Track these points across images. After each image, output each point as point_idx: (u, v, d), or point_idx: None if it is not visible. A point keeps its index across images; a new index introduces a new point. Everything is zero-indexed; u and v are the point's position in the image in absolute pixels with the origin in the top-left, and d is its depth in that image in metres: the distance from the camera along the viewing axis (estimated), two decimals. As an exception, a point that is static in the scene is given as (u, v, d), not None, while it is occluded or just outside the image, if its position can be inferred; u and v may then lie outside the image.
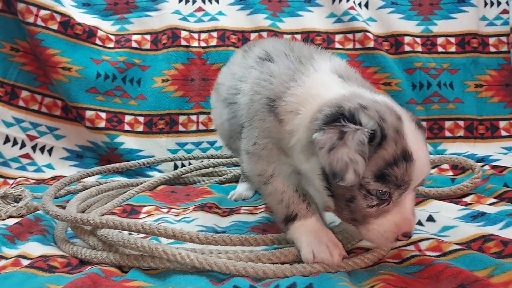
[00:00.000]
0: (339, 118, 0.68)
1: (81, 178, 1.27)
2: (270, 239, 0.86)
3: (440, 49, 1.65)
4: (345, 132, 0.66)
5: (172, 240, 0.87)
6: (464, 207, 1.02)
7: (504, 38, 1.64)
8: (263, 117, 0.80)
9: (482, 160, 1.47)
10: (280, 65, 0.83)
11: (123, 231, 0.87)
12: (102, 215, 1.09)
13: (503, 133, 1.58)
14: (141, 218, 1.09)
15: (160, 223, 1.03)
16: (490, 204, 1.04)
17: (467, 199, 1.10)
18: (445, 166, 1.39)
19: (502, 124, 1.59)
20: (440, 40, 1.66)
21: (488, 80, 1.62)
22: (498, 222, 0.89)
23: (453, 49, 1.65)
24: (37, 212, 1.08)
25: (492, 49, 1.64)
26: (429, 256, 0.77)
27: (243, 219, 1.06)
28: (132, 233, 0.89)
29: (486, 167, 1.35)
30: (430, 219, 0.97)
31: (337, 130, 0.67)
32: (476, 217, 0.96)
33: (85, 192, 1.18)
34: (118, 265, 0.82)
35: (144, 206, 1.17)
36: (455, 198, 1.12)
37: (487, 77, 1.63)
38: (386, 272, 0.74)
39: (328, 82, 0.78)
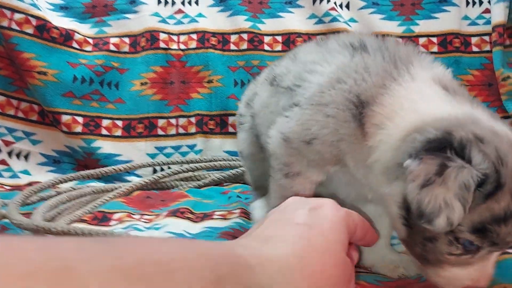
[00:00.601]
0: (445, 148, 0.54)
1: (54, 185, 1.25)
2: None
3: (422, 49, 1.63)
4: (448, 167, 0.52)
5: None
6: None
7: (486, 38, 1.62)
8: (342, 120, 0.64)
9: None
10: (377, 62, 0.65)
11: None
12: (71, 223, 1.06)
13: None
14: (111, 226, 1.07)
15: (129, 231, 1.01)
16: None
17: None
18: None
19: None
20: (422, 40, 1.64)
21: (471, 80, 1.60)
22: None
23: (435, 49, 1.63)
24: (4, 220, 1.05)
25: (474, 49, 1.62)
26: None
27: (215, 225, 1.04)
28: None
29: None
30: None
31: (438, 162, 0.53)
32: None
33: (55, 199, 1.16)
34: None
35: (116, 212, 1.14)
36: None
37: (470, 77, 1.61)
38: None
39: (429, 94, 0.63)
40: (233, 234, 0.98)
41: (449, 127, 0.55)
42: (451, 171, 0.51)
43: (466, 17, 1.65)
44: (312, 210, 0.53)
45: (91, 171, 1.35)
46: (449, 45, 1.62)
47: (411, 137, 0.58)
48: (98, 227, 1.03)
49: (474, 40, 1.63)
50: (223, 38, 1.66)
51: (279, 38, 1.65)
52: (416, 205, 0.53)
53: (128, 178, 1.50)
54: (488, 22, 1.63)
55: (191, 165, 1.44)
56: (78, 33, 1.60)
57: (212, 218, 1.09)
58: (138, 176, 1.51)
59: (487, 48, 1.62)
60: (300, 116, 0.67)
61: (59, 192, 1.27)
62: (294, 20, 1.66)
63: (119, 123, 1.57)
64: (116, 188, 1.30)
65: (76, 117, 1.53)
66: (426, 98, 0.62)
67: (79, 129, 1.52)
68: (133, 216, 1.13)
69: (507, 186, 0.52)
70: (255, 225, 0.56)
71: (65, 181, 1.28)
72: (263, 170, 0.87)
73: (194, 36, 1.65)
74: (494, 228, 0.53)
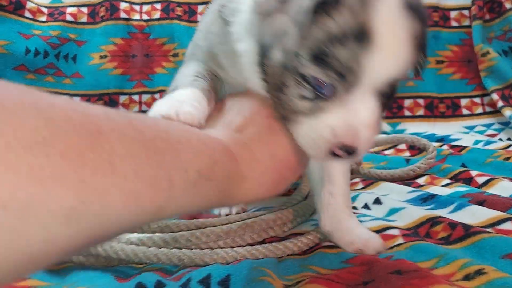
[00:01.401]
0: None
1: None
2: (194, 224, 0.76)
3: None
4: None
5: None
6: (414, 189, 0.93)
7: (466, 12, 1.56)
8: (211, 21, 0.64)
9: (441, 140, 1.39)
10: None
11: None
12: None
13: (464, 111, 1.50)
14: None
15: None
16: (443, 186, 0.96)
17: (420, 181, 1.02)
18: (402, 146, 1.30)
19: (463, 102, 1.51)
20: (399, 14, 1.56)
21: (450, 56, 1.54)
22: (448, 205, 0.80)
23: (413, 23, 1.55)
24: None
25: (453, 23, 1.56)
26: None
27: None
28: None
29: (445, 147, 1.27)
30: (377, 201, 0.88)
31: None
32: (426, 199, 0.87)
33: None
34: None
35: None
36: (408, 180, 1.03)
37: (449, 53, 1.54)
38: (314, 267, 0.64)
39: None
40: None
41: None
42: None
43: (445, -10, 1.58)
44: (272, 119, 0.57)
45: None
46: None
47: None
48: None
49: (453, 14, 1.57)
50: (189, 9, 1.55)
51: None
52: (260, 37, 0.52)
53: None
54: (468, -5, 1.57)
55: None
56: (30, 1, 1.47)
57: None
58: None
59: (466, 23, 1.56)
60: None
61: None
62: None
63: (77, 99, 1.45)
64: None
65: (29, 92, 1.41)
66: None
67: (32, 105, 1.40)
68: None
69: (346, 2, 0.47)
70: (228, 111, 0.59)
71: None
72: None
73: (158, 6, 1.53)
74: (332, 51, 0.47)
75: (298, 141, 0.53)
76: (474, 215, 0.74)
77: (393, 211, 0.82)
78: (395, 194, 0.92)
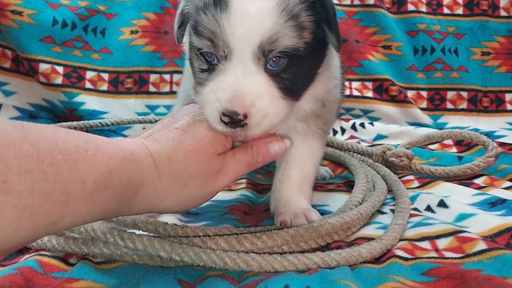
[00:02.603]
0: None
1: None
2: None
3: (446, 10, 1.47)
4: None
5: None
6: (478, 191, 0.88)
7: (516, 1, 1.48)
8: None
9: (486, 135, 1.33)
10: None
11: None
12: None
13: (509, 107, 1.44)
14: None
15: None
16: (505, 188, 0.91)
17: (479, 181, 0.96)
18: (448, 141, 1.25)
19: (508, 97, 1.45)
20: (446, 0, 1.48)
21: (496, 48, 1.47)
22: (524, 213, 0.75)
23: (460, 11, 1.48)
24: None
25: (502, 13, 1.48)
26: (449, 258, 0.62)
27: (222, 198, 0.89)
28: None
29: (494, 144, 1.22)
30: (442, 204, 0.82)
31: None
32: (495, 204, 0.81)
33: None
34: (62, 253, 0.65)
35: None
36: (465, 179, 0.98)
37: (495, 44, 1.47)
38: (395, 277, 0.59)
39: None
40: (243, 209, 0.84)
41: None
42: None
43: (496, -23, 1.50)
44: (194, 118, 0.58)
45: (74, 123, 1.17)
46: (475, 8, 1.47)
47: None
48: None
49: (502, 3, 1.48)
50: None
51: None
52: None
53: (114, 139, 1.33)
54: (519, -17, 1.49)
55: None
56: (59, -32, 1.39)
57: (217, 190, 0.94)
58: (125, 136, 1.34)
59: (516, 13, 1.48)
60: None
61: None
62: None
63: (105, 76, 1.38)
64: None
65: (56, 67, 1.33)
66: None
67: (59, 80, 1.33)
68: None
69: None
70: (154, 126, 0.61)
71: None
72: None
73: (193, -19, 1.45)
74: (199, 20, 0.55)
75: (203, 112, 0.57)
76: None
77: (463, 216, 0.77)
78: (458, 196, 0.87)
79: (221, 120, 0.55)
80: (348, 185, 0.96)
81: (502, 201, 0.81)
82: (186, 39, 0.62)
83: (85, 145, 0.45)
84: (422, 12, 1.46)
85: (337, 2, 1.44)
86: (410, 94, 1.44)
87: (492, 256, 0.61)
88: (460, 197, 0.86)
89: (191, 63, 0.62)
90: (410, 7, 1.46)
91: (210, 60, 0.57)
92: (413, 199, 0.85)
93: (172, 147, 0.55)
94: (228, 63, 0.56)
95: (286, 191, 0.74)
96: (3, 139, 0.37)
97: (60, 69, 1.34)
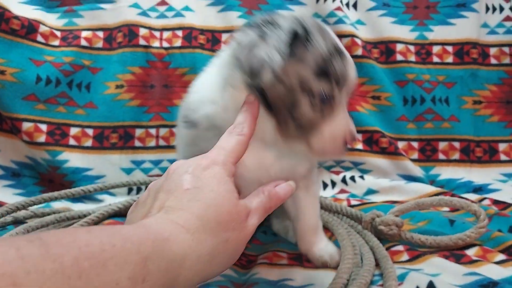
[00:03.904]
0: (258, 25, 0.65)
1: (8, 214, 1.04)
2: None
3: (435, 59, 1.46)
4: (265, 31, 0.64)
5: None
6: (470, 270, 0.84)
7: (506, 49, 1.47)
8: None
9: (480, 189, 1.30)
10: None
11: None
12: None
13: (502, 157, 1.41)
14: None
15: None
16: (498, 263, 0.87)
17: (471, 253, 0.93)
18: (440, 198, 1.21)
19: (501, 146, 1.42)
20: (436, 49, 1.47)
21: (488, 96, 1.45)
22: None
23: (450, 59, 1.46)
24: None
25: (493, 61, 1.46)
26: None
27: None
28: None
29: (487, 202, 1.19)
30: (431, 285, 0.78)
31: (257, 30, 0.65)
32: (487, 287, 0.78)
33: (10, 233, 0.96)
34: None
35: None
36: (456, 250, 0.94)
37: (487, 92, 1.45)
38: None
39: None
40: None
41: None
42: (268, 32, 0.63)
43: (485, 25, 1.49)
44: (196, 171, 0.57)
45: (55, 193, 1.14)
46: (465, 56, 1.46)
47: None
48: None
49: (492, 51, 1.47)
50: (212, 37, 1.45)
51: (276, 39, 1.45)
52: (248, 67, 0.62)
53: (100, 196, 1.30)
54: (509, 31, 1.47)
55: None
56: (43, 24, 1.37)
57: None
58: (111, 194, 1.31)
59: (507, 60, 1.46)
60: None
61: (16, 221, 1.07)
62: (295, 20, 1.46)
63: (90, 131, 1.36)
64: (84, 216, 1.10)
65: (39, 125, 1.31)
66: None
67: (42, 138, 1.31)
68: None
69: (314, 31, 0.65)
70: (147, 198, 0.59)
71: (24, 207, 1.07)
72: None
73: (179, 33, 1.43)
74: (330, 67, 0.64)
75: (320, 146, 0.67)
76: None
77: (451, 303, 0.73)
78: (449, 275, 0.83)
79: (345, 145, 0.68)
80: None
81: (494, 284, 0.77)
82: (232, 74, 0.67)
83: (109, 239, 0.42)
84: (411, 62, 1.45)
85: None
86: (401, 145, 1.42)
87: None
88: (451, 277, 0.82)
89: (288, 106, 0.66)
90: (399, 57, 1.45)
91: (325, 98, 0.65)
92: (401, 277, 0.81)
93: (197, 208, 0.53)
94: (340, 103, 0.67)
95: (314, 239, 0.92)
96: (23, 266, 0.34)
97: (43, 127, 1.31)
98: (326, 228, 1.10)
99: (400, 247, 0.96)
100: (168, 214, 0.52)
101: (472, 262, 0.88)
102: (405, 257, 0.93)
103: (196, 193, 0.54)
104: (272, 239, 1.06)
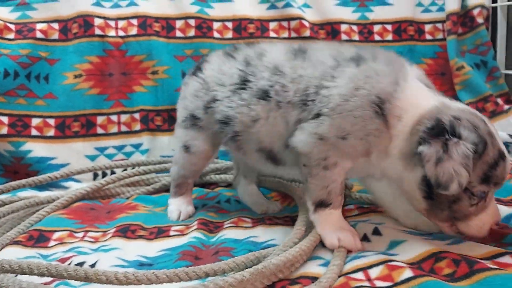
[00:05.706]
0: (442, 132, 0.74)
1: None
2: (203, 271, 0.74)
3: (377, 37, 1.58)
4: (449, 145, 0.73)
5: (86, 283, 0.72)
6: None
7: (439, 25, 1.60)
8: (368, 118, 0.79)
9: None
10: (382, 66, 0.81)
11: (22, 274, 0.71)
12: (3, 247, 0.91)
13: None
14: (51, 247, 0.93)
15: (73, 255, 0.87)
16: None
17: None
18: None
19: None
20: (376, 28, 1.59)
21: (425, 69, 1.58)
22: (446, 238, 0.83)
23: (390, 37, 1.58)
24: None
25: (428, 37, 1.60)
26: (380, 288, 0.69)
27: (173, 244, 0.93)
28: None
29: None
30: (376, 232, 0.89)
31: (441, 143, 0.74)
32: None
33: (-19, 219, 0.99)
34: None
35: (56, 231, 0.99)
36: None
37: (424, 66, 1.59)
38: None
39: (422, 91, 0.82)
40: (194, 254, 0.88)
41: (437, 115, 0.76)
42: (452, 146, 0.73)
43: (419, 4, 1.62)
44: None
45: (22, 181, 1.17)
46: (403, 33, 1.58)
47: (415, 129, 0.78)
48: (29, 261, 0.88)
49: (427, 27, 1.61)
50: (167, 24, 1.50)
51: (229, 25, 1.53)
52: (434, 178, 0.74)
53: (66, 184, 1.33)
54: (440, 9, 1.61)
55: (138, 168, 1.30)
56: (-4, 17, 1.39)
57: (169, 235, 0.97)
58: (77, 181, 1.35)
59: (440, 36, 1.60)
60: (330, 121, 0.81)
61: (-16, 208, 1.09)
62: (245, 5, 1.54)
63: (51, 121, 1.39)
64: (53, 200, 1.14)
65: (1, 117, 1.33)
66: (420, 94, 0.81)
67: (4, 130, 1.33)
68: (76, 234, 0.98)
69: (488, 142, 0.75)
70: None
71: (-10, 195, 1.10)
72: (201, 167, 1.12)
73: (134, 22, 1.48)
74: (492, 174, 0.75)
75: (466, 230, 0.80)
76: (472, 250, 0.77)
77: (394, 244, 0.84)
78: (392, 222, 0.94)
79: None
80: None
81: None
82: (417, 174, 0.78)
83: None
84: (355, 40, 1.56)
85: (276, 35, 1.51)
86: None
87: (416, 283, 0.68)
88: (394, 222, 0.94)
89: (449, 202, 0.78)
90: (344, 36, 1.55)
91: (482, 197, 0.77)
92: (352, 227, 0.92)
93: None
94: (491, 197, 0.80)
95: None
96: None
97: (4, 119, 1.33)
98: (286, 195, 1.19)
99: (351, 206, 1.07)
100: None
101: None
102: (355, 212, 1.04)
103: None
104: (235, 207, 1.14)
